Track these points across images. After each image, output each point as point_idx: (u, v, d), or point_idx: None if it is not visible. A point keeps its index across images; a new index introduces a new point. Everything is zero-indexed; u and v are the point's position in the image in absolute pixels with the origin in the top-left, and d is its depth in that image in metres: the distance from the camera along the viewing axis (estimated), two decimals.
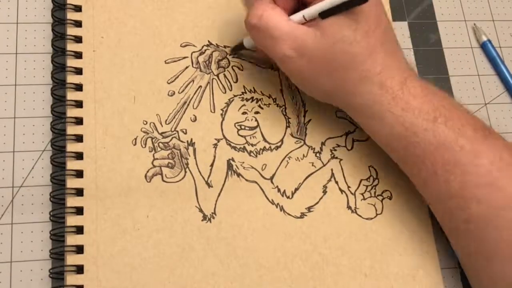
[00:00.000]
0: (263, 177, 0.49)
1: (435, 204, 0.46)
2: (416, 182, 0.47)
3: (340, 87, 0.45)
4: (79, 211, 0.46)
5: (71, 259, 0.45)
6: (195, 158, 0.49)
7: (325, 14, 0.43)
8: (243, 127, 0.51)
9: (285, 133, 0.51)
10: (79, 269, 0.45)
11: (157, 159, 0.48)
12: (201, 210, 0.48)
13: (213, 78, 0.51)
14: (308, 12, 0.44)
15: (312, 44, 0.43)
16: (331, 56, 0.43)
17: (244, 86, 0.52)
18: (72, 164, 0.47)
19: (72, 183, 0.47)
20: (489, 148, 0.43)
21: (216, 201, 0.48)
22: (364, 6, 0.42)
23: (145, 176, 0.48)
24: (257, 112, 0.51)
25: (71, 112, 0.48)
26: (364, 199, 0.50)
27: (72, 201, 0.46)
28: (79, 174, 0.47)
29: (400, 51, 0.46)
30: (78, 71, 0.49)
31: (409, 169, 0.46)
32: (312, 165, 0.50)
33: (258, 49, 0.49)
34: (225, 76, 0.52)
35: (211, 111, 0.51)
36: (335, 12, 0.42)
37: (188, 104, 0.50)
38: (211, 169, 0.49)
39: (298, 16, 0.45)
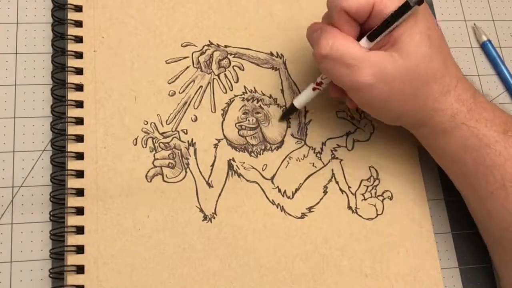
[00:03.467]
0: (263, 177, 0.49)
1: (495, 221, 0.45)
2: (479, 196, 0.45)
3: (420, 107, 0.44)
4: (80, 211, 0.46)
5: (72, 259, 0.45)
6: (195, 158, 0.49)
7: (373, 36, 0.42)
8: (243, 127, 0.50)
9: (285, 134, 0.51)
10: (80, 269, 0.45)
11: (157, 159, 0.48)
12: (201, 210, 0.48)
13: (213, 78, 0.51)
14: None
15: (392, 67, 0.42)
16: (414, 76, 0.42)
17: (244, 86, 0.52)
18: (72, 164, 0.47)
19: (72, 183, 0.46)
20: None
21: (217, 201, 0.48)
22: (427, 17, 0.42)
23: (146, 176, 0.48)
24: (257, 113, 0.51)
25: (72, 112, 0.48)
26: (365, 199, 0.50)
27: (72, 201, 0.46)
28: (79, 174, 0.47)
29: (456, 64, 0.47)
30: (79, 71, 0.49)
31: (474, 183, 0.45)
32: (313, 166, 0.50)
33: (332, 88, 0.48)
34: (225, 76, 0.52)
35: (211, 111, 0.51)
36: (384, 29, 0.42)
37: (189, 104, 0.50)
38: (211, 169, 0.49)
39: (364, 42, 0.43)
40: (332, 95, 0.48)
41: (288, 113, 0.51)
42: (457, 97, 0.44)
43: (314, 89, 0.48)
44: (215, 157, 0.49)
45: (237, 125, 0.50)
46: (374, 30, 0.42)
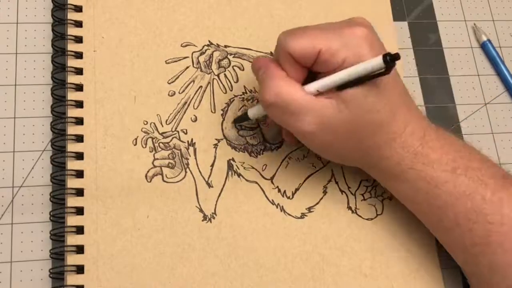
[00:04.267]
0: (263, 177, 0.49)
1: (457, 252, 0.46)
2: (439, 233, 0.46)
3: (365, 153, 0.44)
4: (79, 211, 0.46)
5: (72, 259, 0.45)
6: (195, 158, 0.49)
7: (343, 87, 0.41)
8: (243, 127, 0.50)
9: None
10: (80, 269, 0.45)
11: (157, 159, 0.48)
12: (201, 210, 0.48)
13: (213, 78, 0.51)
14: (323, 84, 0.42)
15: (335, 117, 0.42)
16: (357, 127, 0.42)
17: (244, 86, 0.52)
18: (72, 164, 0.47)
19: (72, 183, 0.46)
20: (511, 197, 0.42)
21: (217, 201, 0.48)
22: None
23: (146, 176, 0.48)
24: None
25: (72, 112, 0.48)
26: (364, 199, 0.50)
27: (72, 201, 0.46)
28: (79, 174, 0.47)
29: (414, 103, 0.46)
30: (79, 71, 0.49)
31: (431, 221, 0.46)
32: (313, 166, 0.50)
33: (269, 121, 0.48)
34: (225, 76, 0.52)
35: (211, 111, 0.51)
36: (354, 84, 0.40)
37: (189, 104, 0.50)
38: (211, 169, 0.49)
39: (311, 87, 0.42)
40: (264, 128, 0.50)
41: (240, 120, 0.50)
42: (402, 144, 0.43)
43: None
44: (215, 157, 0.49)
45: (237, 125, 0.50)
46: (345, 84, 0.41)
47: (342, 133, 0.43)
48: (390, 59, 0.38)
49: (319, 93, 0.42)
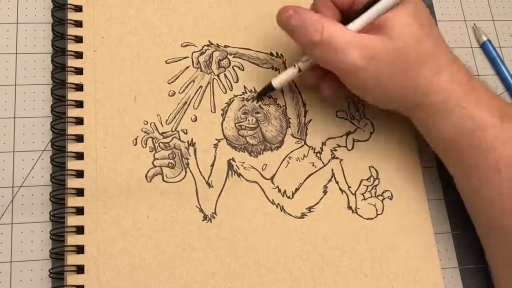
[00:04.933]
0: (263, 177, 0.49)
1: (489, 206, 0.44)
2: (473, 182, 0.45)
3: (412, 87, 0.44)
4: (80, 211, 0.46)
5: (72, 259, 0.45)
6: (195, 158, 0.49)
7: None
8: (243, 127, 0.51)
9: (285, 133, 0.51)
10: (80, 269, 0.45)
11: (157, 159, 0.48)
12: (201, 210, 0.48)
13: (213, 78, 0.51)
14: (363, 19, 0.44)
15: (382, 49, 0.42)
16: (404, 57, 0.43)
17: (244, 86, 0.52)
18: (72, 164, 0.47)
19: (72, 183, 0.46)
20: None
21: (217, 201, 0.48)
22: (414, 3, 0.43)
23: (146, 176, 0.48)
24: (257, 113, 0.51)
25: (72, 112, 0.48)
26: (365, 199, 0.50)
27: (72, 201, 0.46)
28: (79, 174, 0.47)
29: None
30: (79, 71, 0.49)
31: (469, 167, 0.45)
32: (313, 165, 0.50)
33: (309, 75, 0.49)
34: (225, 76, 0.52)
35: (211, 111, 0.51)
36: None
37: (189, 104, 0.50)
38: (211, 169, 0.49)
39: (352, 26, 0.44)
40: (308, 81, 0.49)
41: (265, 92, 0.50)
42: (451, 78, 0.43)
43: (298, 70, 0.48)
44: (215, 157, 0.49)
45: (237, 125, 0.50)
46: (364, 6, 0.43)
47: (389, 65, 0.43)
48: None
49: (361, 31, 0.44)
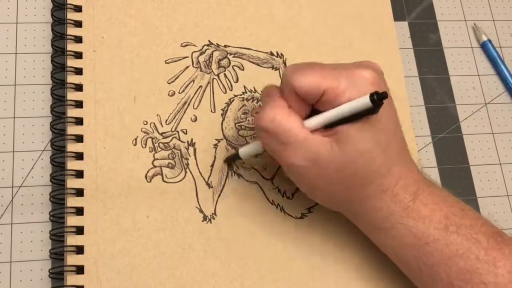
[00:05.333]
0: (263, 177, 0.49)
1: None
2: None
3: (354, 202, 0.43)
4: (79, 211, 0.46)
5: (71, 259, 0.45)
6: (195, 158, 0.49)
7: (331, 126, 0.40)
8: (243, 127, 0.50)
9: None
10: (79, 269, 0.45)
11: (157, 159, 0.48)
12: (201, 211, 0.48)
13: (213, 78, 0.51)
14: (316, 122, 0.41)
15: (328, 157, 0.40)
16: (349, 172, 0.41)
17: (244, 86, 0.52)
18: (72, 164, 0.47)
19: (72, 183, 0.46)
20: (505, 257, 0.41)
21: (217, 201, 0.48)
22: (381, 114, 0.39)
23: (146, 176, 0.48)
24: (257, 112, 0.51)
25: (71, 112, 0.48)
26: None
27: (72, 201, 0.46)
28: (79, 174, 0.47)
29: (409, 155, 0.44)
30: (78, 71, 0.49)
31: (422, 280, 0.44)
32: None
33: (267, 154, 0.46)
34: (225, 76, 0.52)
35: (211, 111, 0.51)
36: (342, 123, 0.40)
37: (189, 104, 0.50)
38: (211, 169, 0.49)
39: (309, 122, 0.41)
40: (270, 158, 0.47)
41: (231, 159, 0.49)
42: (393, 197, 0.42)
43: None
44: (215, 157, 0.49)
45: (236, 125, 0.50)
46: (333, 123, 0.40)
47: (332, 174, 0.41)
48: (378, 98, 0.37)
49: (315, 130, 0.41)
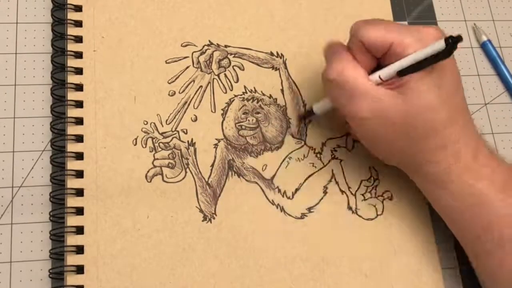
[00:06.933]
0: (263, 177, 0.49)
1: (493, 277, 0.44)
2: (476, 253, 0.45)
3: (415, 154, 0.43)
4: (79, 211, 0.46)
5: (71, 259, 0.45)
6: (195, 158, 0.49)
7: (403, 72, 0.41)
8: (243, 127, 0.50)
9: (285, 134, 0.51)
10: (79, 269, 0.44)
11: (157, 159, 0.48)
12: (201, 211, 0.48)
13: (213, 78, 0.51)
14: (386, 71, 0.42)
15: (392, 108, 0.41)
16: (413, 123, 0.41)
17: (244, 86, 0.52)
18: (72, 164, 0.47)
19: (72, 183, 0.46)
20: None
21: (217, 201, 0.48)
22: (445, 65, 0.40)
23: (146, 176, 0.48)
24: (257, 113, 0.51)
25: (71, 112, 0.48)
26: (365, 199, 0.50)
27: (72, 201, 0.46)
28: (79, 174, 0.47)
29: (470, 115, 0.45)
30: (79, 71, 0.49)
31: (471, 240, 0.44)
32: (313, 166, 0.50)
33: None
34: (225, 76, 0.52)
35: (211, 111, 0.51)
36: (414, 70, 0.40)
37: (189, 104, 0.50)
38: (211, 169, 0.49)
39: (375, 75, 0.42)
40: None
41: (306, 115, 0.50)
42: (454, 152, 0.42)
43: None
44: (215, 157, 0.49)
45: (237, 125, 0.50)
46: (406, 68, 0.41)
47: (395, 127, 0.42)
48: (453, 41, 0.38)
49: (382, 82, 0.42)
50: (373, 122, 0.42)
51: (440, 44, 0.38)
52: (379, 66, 0.43)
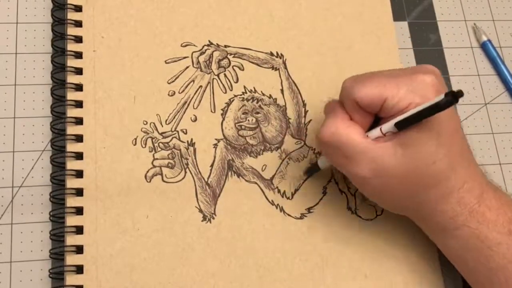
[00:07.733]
0: (263, 177, 0.49)
1: None
2: None
3: (418, 205, 0.43)
4: (79, 211, 0.46)
5: (71, 259, 0.45)
6: (195, 158, 0.49)
7: (401, 125, 0.40)
8: (243, 127, 0.50)
9: (285, 134, 0.51)
10: (79, 269, 0.45)
11: (157, 159, 0.48)
12: (201, 211, 0.48)
13: (213, 78, 0.51)
14: (385, 125, 0.41)
15: (391, 164, 0.40)
16: (414, 177, 0.41)
17: (244, 86, 0.52)
18: (72, 164, 0.47)
19: (72, 183, 0.46)
20: None
21: (216, 201, 0.48)
22: (442, 115, 0.38)
23: (145, 176, 0.48)
24: (257, 113, 0.51)
25: (71, 112, 0.48)
26: (364, 200, 0.50)
27: (72, 201, 0.46)
28: (79, 174, 0.47)
29: (474, 158, 0.44)
30: (78, 71, 0.49)
31: (479, 282, 0.44)
32: None
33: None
34: (225, 76, 0.52)
35: (211, 111, 0.51)
36: (412, 122, 0.39)
37: (189, 104, 0.50)
38: (211, 169, 0.49)
39: (376, 131, 0.41)
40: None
41: (311, 171, 0.50)
42: (459, 200, 0.42)
43: None
44: (215, 157, 0.49)
45: (236, 125, 0.50)
46: (404, 120, 0.39)
47: (396, 181, 0.41)
48: (453, 96, 0.36)
49: (380, 136, 0.41)
50: (374, 181, 0.42)
51: (440, 99, 0.37)
52: (375, 119, 0.42)
